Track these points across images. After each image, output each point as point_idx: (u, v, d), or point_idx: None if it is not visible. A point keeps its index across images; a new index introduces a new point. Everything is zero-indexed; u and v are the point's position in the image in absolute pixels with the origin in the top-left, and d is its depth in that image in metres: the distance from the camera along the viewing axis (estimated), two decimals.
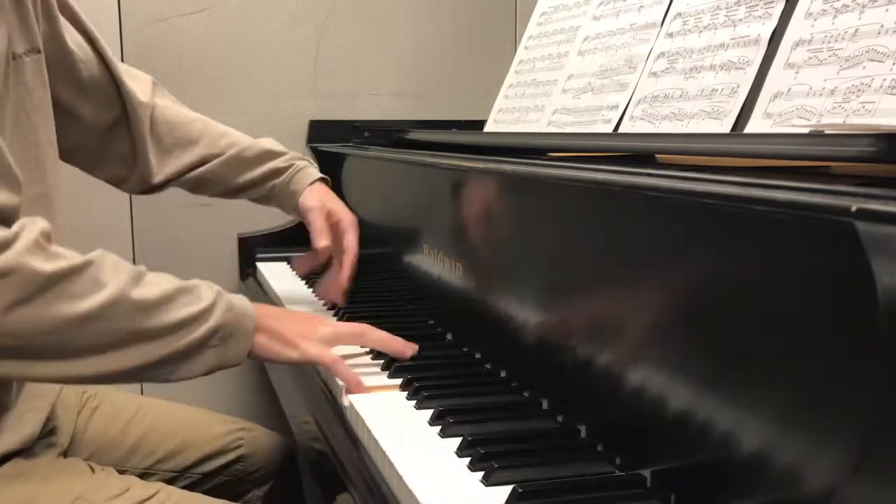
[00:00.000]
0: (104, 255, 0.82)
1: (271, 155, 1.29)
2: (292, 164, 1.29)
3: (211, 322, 0.85)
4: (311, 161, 1.34)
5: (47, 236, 0.80)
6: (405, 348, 0.99)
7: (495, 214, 0.98)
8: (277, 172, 1.29)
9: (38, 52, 0.95)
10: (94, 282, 0.79)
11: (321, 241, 1.24)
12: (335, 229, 1.26)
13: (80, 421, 1.12)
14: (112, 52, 1.12)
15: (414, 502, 0.66)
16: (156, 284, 0.83)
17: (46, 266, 0.76)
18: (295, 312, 1.01)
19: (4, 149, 0.81)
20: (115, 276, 0.80)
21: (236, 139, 1.29)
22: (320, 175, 1.31)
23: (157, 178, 1.22)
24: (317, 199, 1.27)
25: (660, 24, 1.02)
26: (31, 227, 0.78)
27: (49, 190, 0.97)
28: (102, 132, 1.15)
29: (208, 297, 0.86)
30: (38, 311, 0.76)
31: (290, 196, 1.28)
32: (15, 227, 0.78)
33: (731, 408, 0.57)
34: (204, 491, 1.15)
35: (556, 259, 0.84)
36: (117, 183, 1.22)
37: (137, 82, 1.19)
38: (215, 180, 1.27)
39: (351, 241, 1.26)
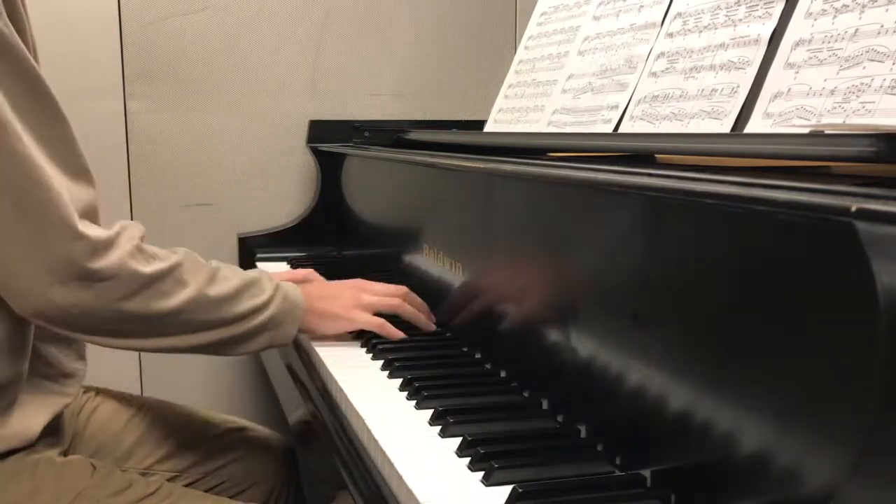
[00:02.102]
0: (187, 255, 0.96)
1: None
2: None
3: (268, 312, 1.00)
4: None
5: (143, 239, 0.93)
6: (429, 324, 1.14)
7: (495, 214, 0.98)
8: None
9: None
10: (180, 281, 0.93)
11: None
12: None
13: (79, 421, 1.12)
14: None
15: (414, 502, 0.66)
16: (227, 280, 0.98)
17: (147, 269, 0.90)
18: (338, 287, 1.14)
19: (78, 146, 0.89)
20: (195, 276, 0.95)
21: None
22: None
23: None
24: None
25: (660, 24, 1.02)
26: (130, 230, 0.92)
27: None
28: None
29: (268, 290, 1.01)
30: (137, 304, 0.90)
31: None
32: (116, 228, 0.91)
33: (731, 408, 0.57)
34: (204, 490, 1.15)
35: (555, 259, 0.84)
36: None
37: None
38: None
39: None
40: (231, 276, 0.99)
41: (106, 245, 0.88)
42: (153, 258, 0.92)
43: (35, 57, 0.94)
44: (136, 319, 0.91)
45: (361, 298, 1.11)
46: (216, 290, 0.96)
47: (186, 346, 0.96)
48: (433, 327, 1.14)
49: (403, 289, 1.16)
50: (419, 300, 1.17)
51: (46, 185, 0.84)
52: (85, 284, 0.87)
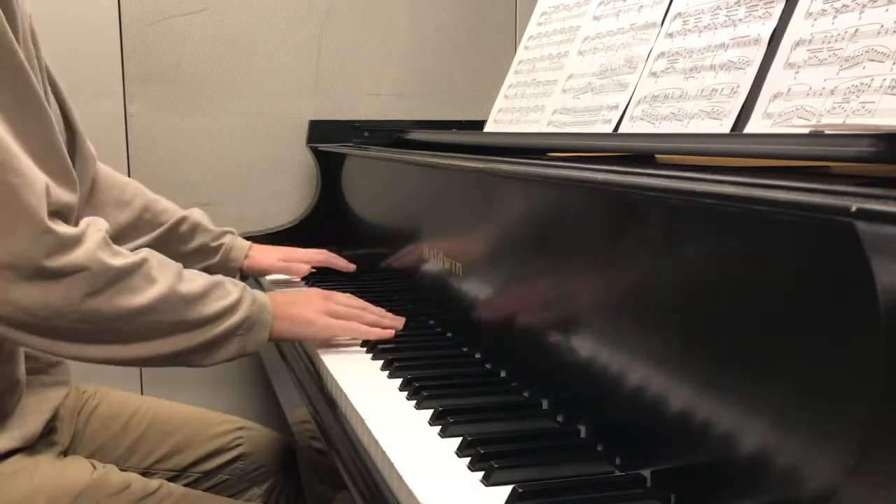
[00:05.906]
0: (152, 253, 0.91)
1: (202, 231, 1.34)
2: (222, 244, 1.36)
3: (239, 314, 0.94)
4: (235, 233, 1.41)
5: (109, 233, 0.88)
6: (396, 322, 1.12)
7: (495, 214, 0.98)
8: (207, 250, 1.34)
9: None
10: (148, 277, 0.88)
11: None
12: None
13: (79, 420, 1.13)
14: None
15: (414, 502, 0.66)
16: (194, 280, 0.92)
17: (115, 261, 0.85)
18: (305, 293, 1.10)
19: (63, 149, 0.86)
20: (163, 273, 0.90)
21: (168, 208, 1.31)
22: (249, 243, 1.39)
23: None
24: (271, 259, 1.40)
25: (660, 24, 1.02)
26: (95, 225, 0.87)
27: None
28: None
29: (236, 291, 0.95)
30: (106, 301, 0.85)
31: (230, 272, 1.35)
32: (81, 226, 0.86)
33: (731, 408, 0.57)
34: (204, 489, 1.16)
35: (555, 259, 0.84)
36: None
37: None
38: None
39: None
40: (196, 277, 0.94)
41: (74, 241, 0.83)
42: (119, 253, 0.87)
43: (35, 43, 0.93)
44: (105, 319, 0.85)
45: (329, 305, 1.07)
46: (186, 287, 0.90)
47: (157, 354, 0.89)
48: (402, 322, 1.12)
49: (363, 301, 1.14)
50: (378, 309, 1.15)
51: (18, 170, 0.79)
52: (52, 281, 0.81)
